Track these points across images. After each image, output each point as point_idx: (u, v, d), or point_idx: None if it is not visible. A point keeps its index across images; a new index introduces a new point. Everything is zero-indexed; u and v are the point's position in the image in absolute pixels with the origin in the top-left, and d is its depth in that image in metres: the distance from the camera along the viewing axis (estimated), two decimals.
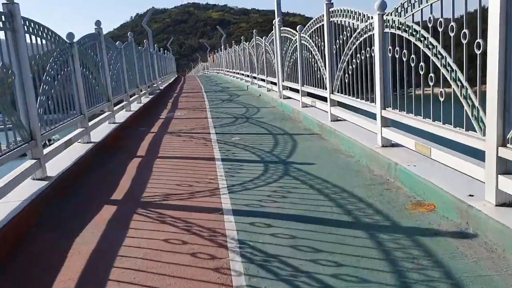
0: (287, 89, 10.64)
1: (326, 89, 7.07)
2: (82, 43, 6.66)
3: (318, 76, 7.57)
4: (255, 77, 16.24)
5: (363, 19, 5.32)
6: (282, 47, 10.64)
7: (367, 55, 5.26)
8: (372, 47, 5.07)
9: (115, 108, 8.79)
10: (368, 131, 5.39)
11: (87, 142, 6.24)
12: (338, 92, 6.63)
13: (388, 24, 4.65)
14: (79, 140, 6.16)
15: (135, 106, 11.18)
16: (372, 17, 4.99)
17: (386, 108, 4.84)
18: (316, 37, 7.50)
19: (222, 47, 30.29)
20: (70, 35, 6.08)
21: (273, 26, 11.23)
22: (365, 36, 5.28)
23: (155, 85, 17.68)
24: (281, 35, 10.59)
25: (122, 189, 4.59)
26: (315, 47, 7.64)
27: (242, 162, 5.37)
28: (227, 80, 25.18)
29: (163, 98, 15.40)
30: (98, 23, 8.03)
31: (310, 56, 8.01)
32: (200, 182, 4.63)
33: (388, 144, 4.92)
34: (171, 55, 39.36)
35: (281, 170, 4.90)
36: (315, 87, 7.87)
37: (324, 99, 7.41)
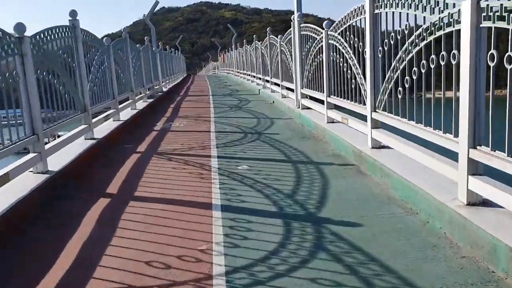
0: (307, 97, 8.91)
1: (365, 104, 5.32)
2: (39, 39, 4.97)
3: (353, 86, 5.81)
4: (267, 81, 14.51)
5: (436, 8, 3.56)
6: (302, 48, 8.90)
7: (442, 60, 3.49)
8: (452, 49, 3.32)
9: (96, 119, 7.12)
10: (440, 174, 3.61)
11: (41, 172, 4.56)
12: (384, 110, 4.87)
13: (486, 15, 2.91)
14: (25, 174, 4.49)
15: (126, 114, 9.52)
16: (455, 4, 3.24)
17: (478, 147, 3.09)
18: (351, 36, 5.74)
19: (233, 46, 28.62)
20: (19, 25, 4.41)
21: (292, 23, 9.47)
22: (438, 33, 3.53)
23: (157, 86, 16.04)
24: (301, 33, 8.85)
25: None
26: (349, 48, 5.89)
27: (250, 215, 3.64)
28: (237, 81, 23.48)
29: (164, 102, 13.73)
30: (73, 13, 6.32)
31: (341, 59, 6.25)
32: (183, 258, 2.93)
33: (478, 200, 3.16)
34: (179, 54, 37.78)
35: (311, 238, 3.17)
36: (348, 99, 6.11)
37: (359, 115, 5.67)
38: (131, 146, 6.86)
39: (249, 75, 20.19)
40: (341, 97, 6.49)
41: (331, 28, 6.67)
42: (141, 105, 11.58)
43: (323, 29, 7.00)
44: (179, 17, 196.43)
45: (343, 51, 6.11)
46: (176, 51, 34.01)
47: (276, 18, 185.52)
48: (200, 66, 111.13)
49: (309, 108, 8.67)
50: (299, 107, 9.13)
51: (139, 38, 18.27)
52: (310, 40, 8.16)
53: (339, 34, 6.25)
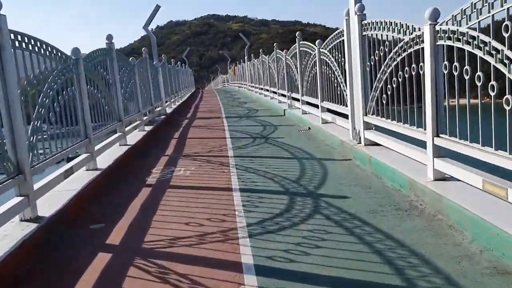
0: (372, 128, 6.02)
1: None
2: None
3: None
4: (296, 99, 11.63)
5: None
6: (363, 55, 6.00)
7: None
8: None
9: (50, 178, 4.28)
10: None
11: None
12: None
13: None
14: None
15: (109, 156, 6.70)
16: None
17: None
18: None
19: (246, 57, 25.88)
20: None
21: (345, 21, 6.56)
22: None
23: (159, 108, 13.24)
24: (363, 33, 5.96)
25: None
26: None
27: None
28: (252, 97, 20.63)
29: (166, 130, 10.87)
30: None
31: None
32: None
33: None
34: (187, 67, 35.16)
35: None
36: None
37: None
38: (99, 229, 3.99)
39: (267, 90, 17.37)
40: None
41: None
42: (135, 136, 8.75)
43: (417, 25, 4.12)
44: (187, 30, 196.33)
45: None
46: (183, 64, 31.39)
47: (283, 29, 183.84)
48: (209, 79, 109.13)
49: (377, 144, 5.78)
50: (359, 141, 6.23)
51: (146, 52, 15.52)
52: (377, 46, 5.30)
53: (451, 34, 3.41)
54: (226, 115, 13.60)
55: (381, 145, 5.80)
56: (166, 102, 15.37)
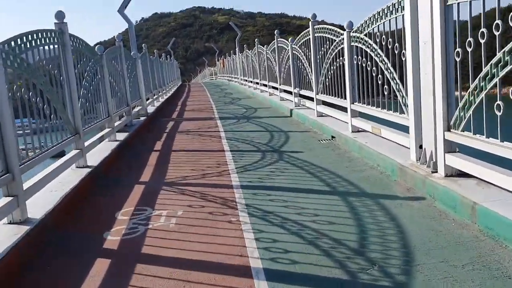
0: (456, 150, 3.90)
1: None
2: None
3: None
4: (307, 97, 9.44)
5: None
6: (447, 38, 3.83)
7: None
8: None
9: None
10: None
11: None
12: None
13: None
14: None
15: (56, 189, 4.46)
16: None
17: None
18: None
19: (237, 48, 23.58)
20: None
21: None
22: None
23: (138, 108, 10.93)
24: (448, 3, 3.79)
25: None
26: None
27: None
28: (246, 92, 18.38)
29: (143, 141, 8.55)
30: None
31: None
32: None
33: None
34: (173, 60, 32.66)
35: None
36: None
37: None
38: None
39: (265, 85, 15.16)
40: None
41: None
42: (100, 152, 6.48)
43: None
44: (172, 22, 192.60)
45: None
46: (169, 56, 28.92)
47: (270, 22, 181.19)
48: (195, 71, 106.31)
49: (467, 175, 3.66)
50: (435, 170, 4.08)
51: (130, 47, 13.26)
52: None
53: None
54: (220, 116, 11.34)
55: (475, 177, 3.68)
56: (148, 99, 13.04)
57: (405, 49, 4.55)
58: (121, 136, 7.93)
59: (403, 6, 4.51)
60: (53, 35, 5.09)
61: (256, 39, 16.30)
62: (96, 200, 4.74)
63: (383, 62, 5.17)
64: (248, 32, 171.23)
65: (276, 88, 13.08)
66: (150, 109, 12.73)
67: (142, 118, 10.67)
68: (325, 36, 7.51)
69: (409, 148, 4.71)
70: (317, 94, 8.33)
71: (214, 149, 7.00)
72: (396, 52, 4.79)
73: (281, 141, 7.18)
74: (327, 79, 7.64)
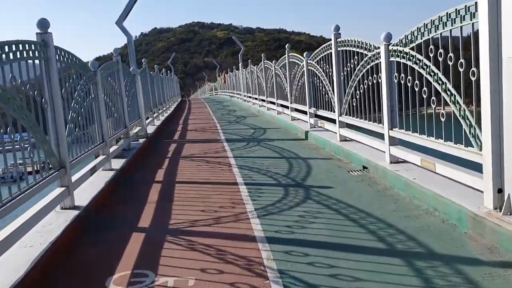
0: None
1: None
2: None
3: None
4: (325, 118, 8.49)
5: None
6: None
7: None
8: None
9: None
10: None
11: None
12: None
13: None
14: None
15: (36, 243, 3.44)
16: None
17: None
18: None
19: (240, 64, 22.71)
20: None
21: None
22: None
23: (136, 129, 9.94)
24: None
25: None
26: None
27: None
28: (250, 110, 17.44)
29: (142, 170, 7.54)
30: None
31: None
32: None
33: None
34: (173, 75, 31.84)
35: None
36: None
37: None
38: None
39: (272, 102, 14.26)
40: None
41: None
42: (92, 185, 5.47)
43: None
44: (171, 37, 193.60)
45: None
46: (169, 71, 28.08)
47: (268, 37, 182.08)
48: (194, 86, 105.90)
49: None
50: None
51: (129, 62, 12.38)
52: None
53: None
54: (226, 137, 10.35)
55: None
56: (147, 118, 12.07)
57: (476, 66, 3.58)
58: (118, 163, 6.93)
59: (474, 12, 3.56)
60: (33, 47, 4.12)
61: (262, 54, 15.43)
62: (82, 258, 3.70)
63: (440, 82, 4.20)
64: (247, 47, 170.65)
65: (286, 107, 12.14)
66: (150, 129, 11.75)
67: (141, 140, 9.67)
68: (352, 50, 6.57)
69: (478, 190, 3.72)
70: (341, 115, 7.36)
71: (225, 181, 5.99)
72: (462, 70, 3.83)
73: (302, 171, 6.18)
74: (354, 99, 6.67)
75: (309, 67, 9.16)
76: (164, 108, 17.78)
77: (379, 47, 5.47)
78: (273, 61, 13.31)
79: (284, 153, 7.70)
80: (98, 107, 6.48)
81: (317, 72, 8.57)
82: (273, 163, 6.86)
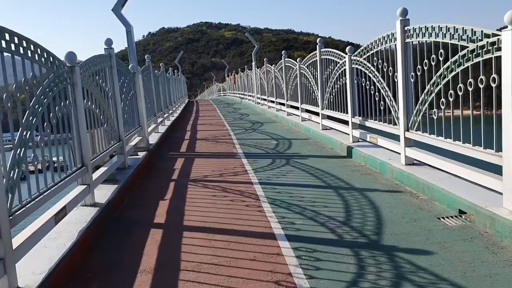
0: None
1: None
2: None
3: None
4: (366, 128, 6.56)
5: None
6: None
7: None
8: None
9: None
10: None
11: None
12: None
13: None
14: None
15: None
16: None
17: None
18: None
19: (253, 63, 20.80)
20: None
21: None
22: None
23: (135, 140, 8.07)
24: None
25: None
26: None
27: None
28: (266, 114, 15.50)
29: (134, 208, 5.64)
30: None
31: None
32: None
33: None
34: (180, 75, 29.98)
35: None
36: None
37: None
38: None
39: (294, 107, 12.40)
40: None
41: None
42: (68, 226, 3.58)
43: None
44: (179, 37, 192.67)
45: None
46: (176, 71, 26.23)
47: (276, 37, 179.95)
48: (201, 86, 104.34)
49: None
50: None
51: (139, 60, 10.53)
52: None
53: None
54: (244, 150, 8.42)
55: None
56: (150, 126, 10.20)
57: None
58: (105, 193, 5.06)
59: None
60: None
61: (283, 52, 13.49)
62: None
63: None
64: (254, 47, 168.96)
65: (314, 113, 10.23)
66: (153, 138, 9.87)
67: (141, 155, 7.79)
68: (450, 44, 4.64)
69: None
70: (408, 130, 5.43)
71: (256, 231, 4.07)
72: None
73: (369, 216, 4.23)
74: (431, 109, 4.73)
75: (353, 65, 7.23)
76: (170, 111, 15.90)
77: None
78: (298, 59, 11.38)
79: (327, 179, 5.77)
80: (76, 117, 4.60)
81: (368, 72, 6.63)
82: (319, 198, 4.94)
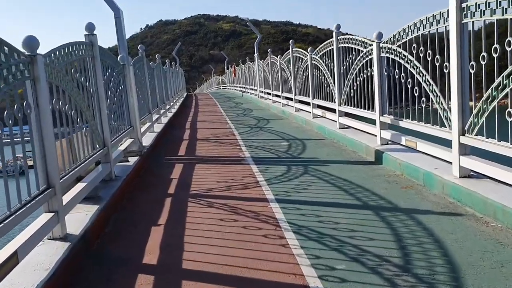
0: None
1: None
2: None
3: None
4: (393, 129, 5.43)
5: None
6: None
7: None
8: None
9: None
10: None
11: None
12: None
13: None
14: None
15: None
16: None
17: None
18: None
19: (256, 54, 19.60)
20: None
21: None
22: None
23: (128, 142, 6.94)
24: None
25: None
26: None
27: None
28: (272, 110, 14.34)
29: (119, 241, 4.55)
30: None
31: None
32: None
33: None
34: (178, 67, 28.75)
35: None
36: None
37: None
38: None
39: (303, 102, 11.30)
40: None
41: None
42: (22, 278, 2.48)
43: None
44: (177, 29, 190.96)
45: None
46: (174, 63, 25.00)
47: (275, 29, 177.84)
48: (199, 79, 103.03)
49: None
50: None
51: (135, 52, 9.33)
52: None
53: None
54: (252, 154, 7.30)
55: None
56: (144, 125, 9.07)
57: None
58: (83, 215, 3.97)
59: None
60: None
61: (291, 41, 12.32)
62: None
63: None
64: (253, 40, 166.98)
65: (329, 109, 9.11)
66: (148, 138, 8.75)
67: (132, 161, 6.67)
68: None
69: None
70: (464, 134, 4.30)
71: (280, 280, 2.95)
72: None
73: (433, 255, 3.12)
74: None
75: (383, 54, 6.09)
76: (167, 107, 14.74)
77: None
78: (309, 49, 10.22)
79: (361, 194, 4.65)
80: (38, 122, 3.47)
81: (401, 61, 5.50)
82: (357, 224, 3.82)
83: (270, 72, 15.80)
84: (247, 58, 24.18)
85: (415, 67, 5.18)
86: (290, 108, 12.59)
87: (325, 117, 9.41)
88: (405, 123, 5.64)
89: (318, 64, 9.51)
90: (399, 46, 5.58)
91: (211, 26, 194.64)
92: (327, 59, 8.85)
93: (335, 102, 8.39)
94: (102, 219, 4.20)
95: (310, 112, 10.44)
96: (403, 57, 5.46)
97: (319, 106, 9.98)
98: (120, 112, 6.78)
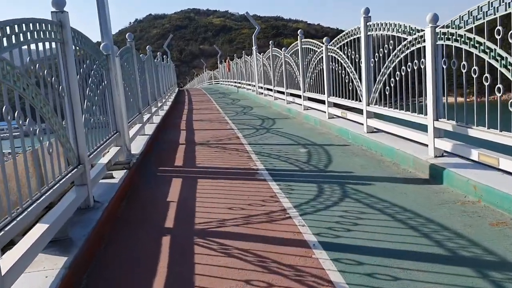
0: None
1: None
2: None
3: None
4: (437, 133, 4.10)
5: None
6: None
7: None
8: None
9: None
10: None
11: None
12: None
13: None
14: None
15: None
16: None
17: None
18: None
19: (254, 47, 18.17)
20: None
21: None
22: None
23: (114, 151, 5.52)
24: None
25: None
26: None
27: None
28: (273, 107, 12.95)
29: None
30: None
31: None
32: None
33: None
34: (169, 61, 27.17)
35: None
36: None
37: None
38: None
39: (314, 99, 9.95)
40: None
41: None
42: None
43: None
44: (166, 24, 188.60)
45: None
46: (165, 56, 23.45)
47: (266, 24, 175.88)
48: (190, 74, 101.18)
49: None
50: None
51: (124, 46, 7.77)
52: None
53: None
54: (266, 165, 5.92)
55: None
56: (132, 126, 7.66)
57: None
58: (42, 279, 2.56)
59: None
60: None
61: (299, 31, 10.92)
62: None
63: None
64: (243, 34, 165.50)
65: (350, 108, 7.77)
66: (138, 144, 7.34)
67: (117, 176, 5.25)
68: None
69: None
70: None
71: None
72: None
73: None
74: None
75: (439, 42, 4.74)
76: (160, 104, 13.28)
77: None
78: (324, 39, 8.85)
79: (440, 235, 3.31)
80: None
81: (475, 52, 4.16)
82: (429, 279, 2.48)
83: (271, 66, 14.40)
84: (243, 52, 22.75)
85: (499, 58, 3.84)
86: (298, 106, 11.23)
87: (346, 118, 8.07)
88: (476, 132, 4.31)
89: (336, 56, 8.15)
90: (468, 30, 4.24)
91: (201, 21, 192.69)
92: (349, 50, 7.50)
93: (361, 101, 7.05)
94: (70, 284, 2.80)
95: (324, 112, 9.08)
96: (476, 45, 4.12)
97: (336, 104, 8.65)
98: (102, 114, 5.35)
